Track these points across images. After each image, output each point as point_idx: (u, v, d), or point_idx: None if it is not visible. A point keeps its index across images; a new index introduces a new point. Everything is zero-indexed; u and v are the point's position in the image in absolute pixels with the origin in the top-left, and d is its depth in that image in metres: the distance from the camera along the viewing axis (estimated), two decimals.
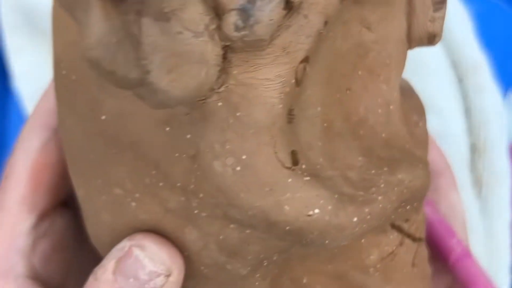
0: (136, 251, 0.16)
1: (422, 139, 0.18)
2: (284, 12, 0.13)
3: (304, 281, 0.17)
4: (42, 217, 0.19)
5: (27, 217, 0.19)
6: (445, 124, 0.31)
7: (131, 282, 0.16)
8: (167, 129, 0.15)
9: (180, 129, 0.14)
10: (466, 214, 0.24)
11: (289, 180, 0.14)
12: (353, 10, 0.15)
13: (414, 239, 0.18)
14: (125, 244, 0.16)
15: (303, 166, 0.15)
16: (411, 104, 0.19)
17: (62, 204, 0.20)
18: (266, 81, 0.14)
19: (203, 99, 0.14)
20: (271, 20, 0.13)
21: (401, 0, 0.16)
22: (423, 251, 0.19)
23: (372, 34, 0.16)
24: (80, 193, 0.18)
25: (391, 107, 0.17)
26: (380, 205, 0.16)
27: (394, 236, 0.18)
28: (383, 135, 0.16)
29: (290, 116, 0.14)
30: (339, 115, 0.16)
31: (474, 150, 0.31)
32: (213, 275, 0.17)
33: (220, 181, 0.14)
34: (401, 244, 0.18)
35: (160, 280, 0.16)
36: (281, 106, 0.14)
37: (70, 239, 0.21)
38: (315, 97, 0.15)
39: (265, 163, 0.14)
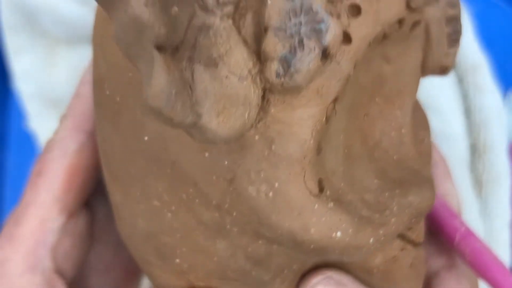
0: None
1: (427, 154, 0.20)
2: (321, 62, 0.14)
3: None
4: (70, 217, 0.20)
5: (58, 216, 0.20)
6: (445, 124, 0.31)
7: None
8: (206, 154, 0.16)
9: (218, 156, 0.16)
10: (461, 203, 0.24)
11: (316, 206, 0.16)
12: (376, 49, 0.16)
13: (414, 244, 0.20)
14: None
15: (328, 193, 0.16)
16: (417, 120, 0.20)
17: (84, 203, 0.21)
18: (300, 120, 0.15)
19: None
20: (309, 70, 0.14)
21: (419, 36, 0.17)
22: (421, 253, 0.20)
23: (390, 66, 0.17)
24: (117, 198, 0.19)
25: (403, 130, 0.18)
26: (393, 227, 0.17)
27: (397, 242, 0.19)
28: (395, 157, 0.18)
29: (319, 149, 0.16)
30: (358, 140, 0.18)
31: (474, 150, 0.31)
32: (238, 278, 0.18)
33: (254, 204, 0.16)
34: (402, 249, 0.19)
35: None
36: (312, 141, 0.15)
37: (87, 236, 0.22)
38: (339, 127, 0.17)
39: (295, 190, 0.16)
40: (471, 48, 0.32)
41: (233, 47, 0.14)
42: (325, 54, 0.14)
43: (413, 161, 0.18)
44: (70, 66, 0.37)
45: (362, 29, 0.15)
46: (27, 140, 0.36)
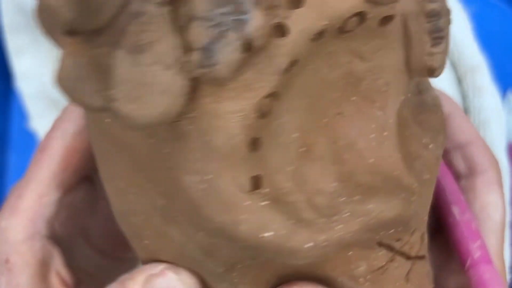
0: (170, 273, 0.18)
1: (429, 162, 0.19)
2: (244, 55, 0.14)
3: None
4: (67, 192, 0.22)
5: (55, 191, 0.22)
6: None
7: None
8: (152, 140, 0.16)
9: (161, 143, 0.16)
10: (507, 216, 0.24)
11: (246, 203, 0.16)
12: (337, 43, 0.16)
13: (408, 257, 0.19)
14: (158, 265, 0.18)
15: (266, 190, 0.16)
16: (426, 124, 0.19)
17: (83, 179, 0.23)
18: (227, 114, 0.15)
19: (177, 121, 0.15)
20: (230, 61, 0.14)
21: (397, 33, 0.17)
22: (422, 268, 0.20)
23: (365, 63, 0.17)
24: (101, 176, 0.20)
25: (385, 133, 0.17)
26: (338, 234, 0.16)
27: (383, 253, 0.19)
28: (371, 160, 0.17)
29: (255, 144, 0.16)
30: (324, 139, 0.17)
31: None
32: (196, 267, 0.18)
33: (189, 194, 0.16)
34: (392, 260, 0.19)
35: None
36: (241, 136, 0.15)
37: (86, 209, 0.24)
38: (291, 124, 0.16)
39: (226, 185, 0.15)
40: (470, 49, 0.32)
41: (164, 35, 0.14)
42: (248, 47, 0.14)
43: (393, 167, 0.17)
44: None
45: (302, 22, 0.14)
46: (29, 139, 0.36)
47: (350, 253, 0.18)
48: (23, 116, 0.37)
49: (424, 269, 0.20)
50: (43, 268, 0.21)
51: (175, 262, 0.18)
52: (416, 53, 0.17)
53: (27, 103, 0.36)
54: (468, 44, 0.32)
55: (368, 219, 0.17)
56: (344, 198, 0.17)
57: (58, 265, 0.22)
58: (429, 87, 0.22)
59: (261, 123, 0.15)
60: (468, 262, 0.22)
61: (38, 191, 0.22)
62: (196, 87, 0.15)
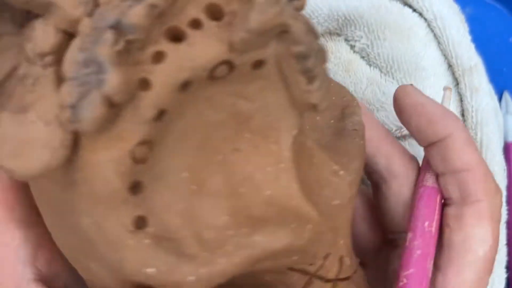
0: None
1: (341, 188, 0.20)
2: (106, 109, 0.15)
3: None
4: (30, 224, 0.21)
5: (17, 232, 0.21)
6: None
7: None
8: (55, 187, 0.17)
9: (61, 189, 0.17)
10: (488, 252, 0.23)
11: (130, 242, 0.17)
12: (214, 88, 0.17)
13: (326, 280, 0.21)
14: None
15: (150, 229, 0.17)
16: (341, 150, 0.21)
17: None
18: (102, 162, 0.16)
19: (67, 170, 0.17)
20: (93, 117, 0.15)
21: (275, 74, 0.17)
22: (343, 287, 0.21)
23: (250, 103, 0.17)
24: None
25: (281, 165, 0.18)
26: (219, 267, 0.18)
27: (297, 276, 0.20)
28: (267, 192, 0.18)
29: (137, 188, 0.17)
30: (219, 175, 0.18)
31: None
32: None
33: (86, 235, 0.17)
34: (309, 283, 0.20)
35: None
36: (117, 181, 0.16)
37: None
38: (178, 165, 0.17)
39: (112, 226, 0.17)
40: (467, 50, 0.32)
41: (47, 94, 0.16)
42: (110, 102, 0.15)
43: (290, 197, 0.18)
44: None
45: (163, 76, 0.15)
46: None
47: (267, 278, 0.20)
48: None
49: None
50: None
51: None
52: (295, 92, 0.18)
53: None
54: (465, 45, 0.33)
55: (253, 251, 0.18)
56: (231, 232, 0.18)
57: None
58: (355, 112, 0.23)
59: (140, 168, 0.16)
60: None
61: (4, 240, 0.21)
62: (76, 139, 0.16)
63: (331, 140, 0.22)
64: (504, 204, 0.29)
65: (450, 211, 0.23)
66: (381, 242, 0.27)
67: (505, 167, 0.32)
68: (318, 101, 0.18)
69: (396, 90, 0.25)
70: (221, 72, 0.16)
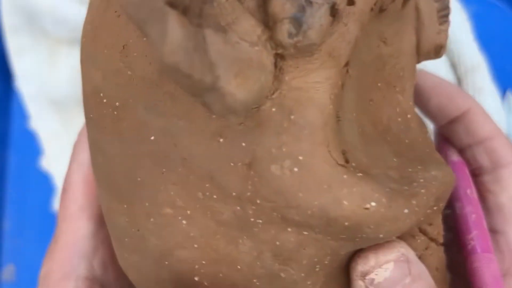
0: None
1: (431, 140, 0.19)
2: (331, 18, 0.14)
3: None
4: (102, 223, 0.21)
5: (87, 223, 0.21)
6: None
7: None
8: (221, 140, 0.15)
9: (234, 139, 0.15)
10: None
11: (345, 176, 0.15)
12: (374, 23, 0.16)
13: (437, 243, 0.19)
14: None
15: (353, 164, 0.15)
16: None
17: None
18: (316, 84, 0.14)
19: (257, 107, 0.14)
20: (321, 25, 0.14)
21: (411, 16, 0.17)
22: (443, 256, 0.20)
23: (388, 47, 0.17)
24: (121, 222, 0.18)
25: (408, 116, 0.18)
26: (424, 197, 0.16)
27: (421, 240, 0.18)
28: (407, 141, 0.18)
29: (337, 117, 0.15)
30: (368, 123, 0.17)
31: None
32: (265, 285, 0.17)
33: (278, 184, 0.15)
34: (427, 248, 0.19)
35: None
36: (331, 106, 0.14)
37: None
38: (352, 102, 0.16)
39: (321, 161, 0.15)
40: (470, 49, 0.32)
41: (239, 16, 0.14)
42: (334, 10, 0.14)
43: (424, 145, 0.18)
44: (71, 66, 0.37)
45: None
46: (29, 139, 0.36)
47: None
48: (23, 116, 0.37)
49: (444, 257, 0.20)
50: None
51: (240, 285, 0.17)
52: (428, 33, 0.17)
53: (27, 103, 0.36)
54: (468, 44, 0.32)
55: (438, 183, 0.17)
56: (410, 169, 0.17)
57: None
58: None
59: (341, 95, 0.15)
60: (464, 253, 0.22)
61: (69, 228, 0.21)
62: (278, 64, 0.14)
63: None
64: None
65: (486, 178, 0.24)
66: None
67: None
68: (444, 42, 0.18)
69: None
70: (386, 2, 0.16)
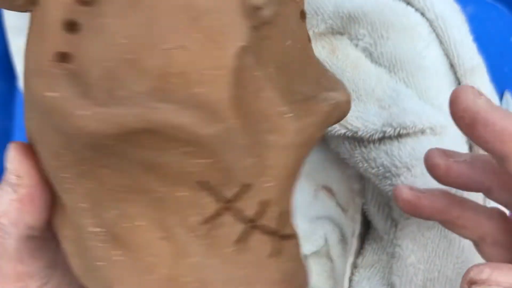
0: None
1: (281, 129, 0.20)
2: None
3: (136, 223, 0.19)
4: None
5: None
6: (444, 124, 0.31)
7: None
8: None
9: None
10: None
11: (46, 69, 0.18)
12: None
13: (243, 219, 0.19)
14: None
15: (71, 66, 0.18)
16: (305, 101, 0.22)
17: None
18: None
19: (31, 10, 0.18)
20: None
21: None
22: (293, 246, 0.21)
23: (205, 0, 0.18)
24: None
25: (220, 71, 0.18)
26: (117, 112, 0.18)
27: (208, 199, 0.19)
28: (196, 90, 0.18)
29: (73, 27, 0.18)
30: (156, 59, 0.18)
31: (473, 148, 0.32)
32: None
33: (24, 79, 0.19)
34: (219, 214, 0.19)
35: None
36: (57, 13, 0.17)
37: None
38: (116, 29, 0.18)
39: (39, 53, 0.18)
40: (469, 50, 0.32)
41: None
42: None
43: (216, 97, 0.18)
44: None
45: None
46: None
47: (177, 193, 0.19)
48: None
49: (296, 250, 0.21)
50: None
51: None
52: None
53: None
54: (467, 45, 0.33)
55: (151, 112, 0.17)
56: (143, 95, 0.17)
57: None
58: (336, 89, 0.22)
59: (83, 10, 0.17)
60: None
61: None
62: None
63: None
64: None
65: None
66: None
67: None
68: (260, 3, 0.18)
69: (459, 98, 0.24)
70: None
